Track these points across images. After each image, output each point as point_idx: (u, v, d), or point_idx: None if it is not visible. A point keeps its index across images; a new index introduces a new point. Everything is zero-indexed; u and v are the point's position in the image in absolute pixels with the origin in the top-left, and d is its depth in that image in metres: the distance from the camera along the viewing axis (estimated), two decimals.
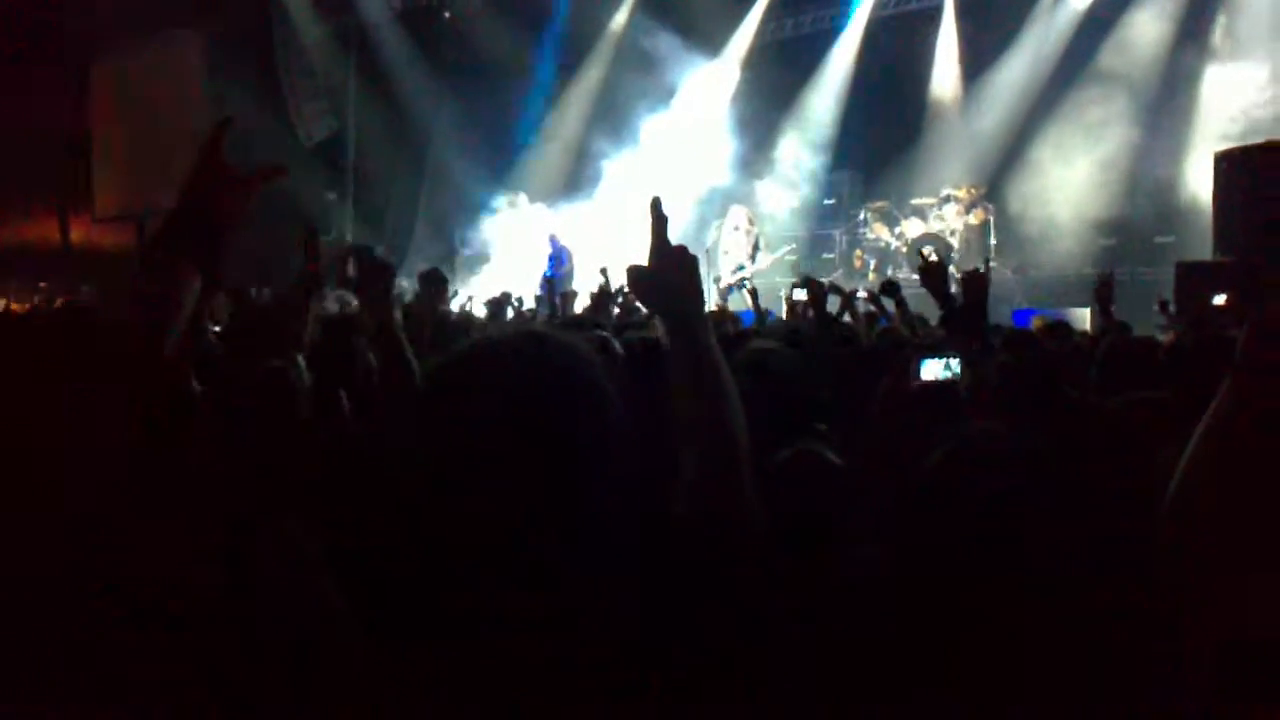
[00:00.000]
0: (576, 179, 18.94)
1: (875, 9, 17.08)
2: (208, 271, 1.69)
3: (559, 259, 16.28)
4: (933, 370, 2.76)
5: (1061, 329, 6.28)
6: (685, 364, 1.62)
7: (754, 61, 18.31)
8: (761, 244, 16.25)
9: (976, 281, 3.26)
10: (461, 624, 1.34)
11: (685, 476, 1.52)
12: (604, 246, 16.28)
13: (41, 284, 19.40)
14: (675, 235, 1.78)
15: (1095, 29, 14.88)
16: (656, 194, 1.78)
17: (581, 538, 1.31)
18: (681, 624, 1.35)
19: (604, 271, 7.18)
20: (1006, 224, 15.63)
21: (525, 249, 17.75)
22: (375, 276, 2.61)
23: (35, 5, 19.74)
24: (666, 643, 1.32)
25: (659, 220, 1.76)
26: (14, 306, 14.12)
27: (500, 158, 19.49)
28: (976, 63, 16.10)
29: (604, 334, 3.57)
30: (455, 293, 12.44)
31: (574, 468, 1.31)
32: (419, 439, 1.38)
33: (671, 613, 1.35)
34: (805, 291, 5.20)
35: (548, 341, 1.40)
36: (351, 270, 2.63)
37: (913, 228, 16.05)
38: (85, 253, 23.23)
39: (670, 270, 1.71)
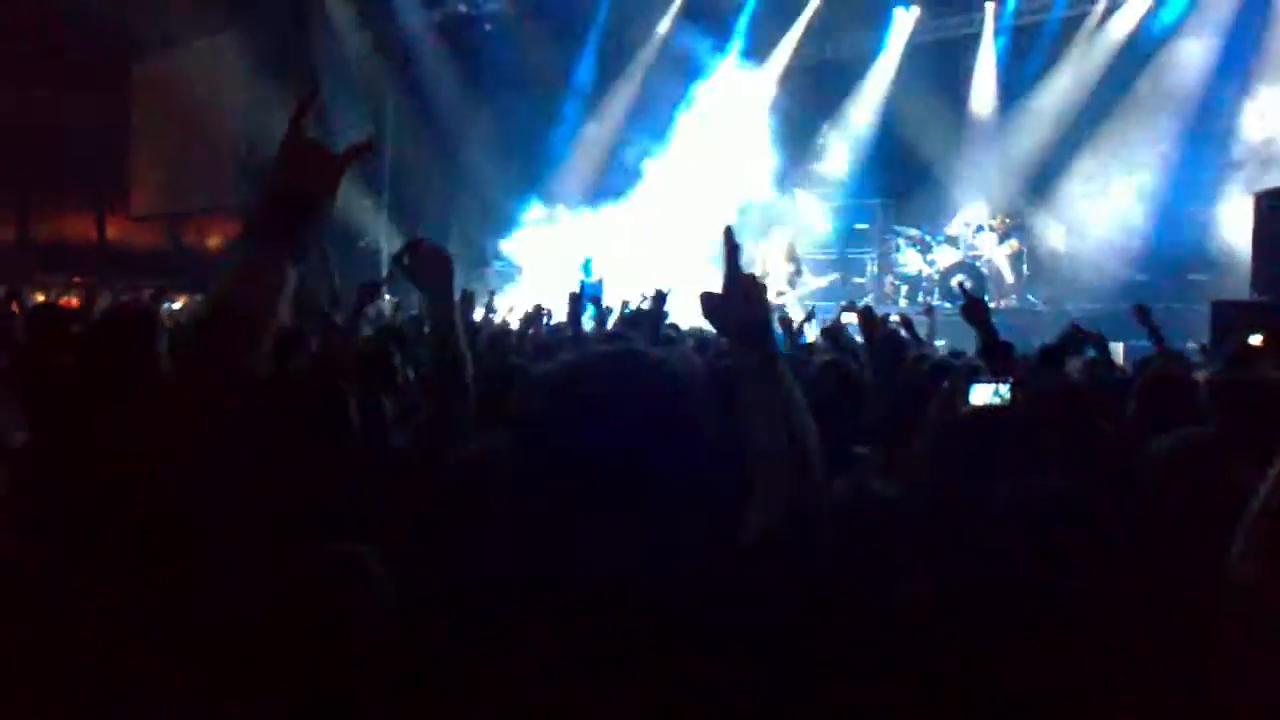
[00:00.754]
0: (614, 188, 18.91)
1: (913, 34, 17.08)
2: (299, 254, 1.69)
3: (588, 273, 16.41)
4: (982, 395, 2.76)
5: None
6: (761, 388, 1.66)
7: (792, 81, 18.35)
8: (804, 270, 16.18)
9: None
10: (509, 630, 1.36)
11: (762, 492, 1.54)
12: (640, 255, 16.37)
13: (76, 279, 19.61)
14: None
15: (1133, 60, 14.84)
16: (729, 225, 1.84)
17: (663, 546, 1.33)
18: (747, 632, 1.37)
19: (661, 296, 7.09)
20: (1039, 255, 15.58)
21: (558, 261, 17.81)
22: (437, 268, 2.61)
23: (79, 5, 19.99)
24: (730, 649, 1.34)
25: (732, 250, 1.81)
26: (68, 300, 14.33)
27: (537, 168, 19.50)
28: (1013, 90, 16.07)
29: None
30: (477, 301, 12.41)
31: (666, 488, 1.34)
32: (524, 449, 1.39)
33: (740, 618, 1.37)
34: (854, 316, 5.25)
35: (646, 360, 1.42)
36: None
37: (945, 256, 16.01)
38: (120, 250, 23.49)
39: (742, 297, 1.76)
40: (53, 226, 23.45)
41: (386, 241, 20.22)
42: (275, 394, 2.74)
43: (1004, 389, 2.77)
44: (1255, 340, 6.83)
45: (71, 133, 22.03)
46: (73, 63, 21.28)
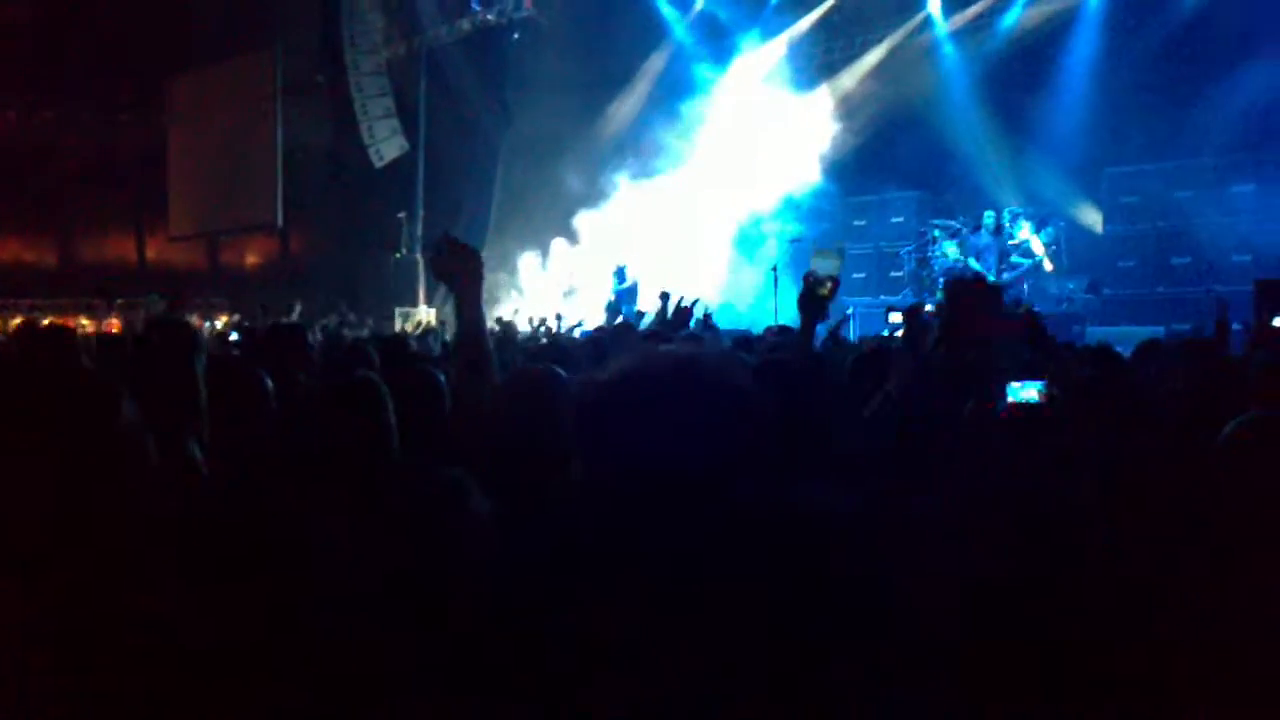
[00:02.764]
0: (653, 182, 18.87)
1: (951, 26, 17.02)
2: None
3: (621, 279, 16.49)
4: (1018, 394, 2.74)
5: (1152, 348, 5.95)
6: None
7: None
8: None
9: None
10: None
11: None
12: (677, 252, 16.42)
13: (119, 300, 19.75)
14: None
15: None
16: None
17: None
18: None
19: (681, 308, 7.10)
20: (1078, 241, 15.44)
21: (594, 271, 17.86)
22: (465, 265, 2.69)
23: (115, 23, 20.29)
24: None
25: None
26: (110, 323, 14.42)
27: (571, 171, 19.40)
28: (1048, 76, 15.92)
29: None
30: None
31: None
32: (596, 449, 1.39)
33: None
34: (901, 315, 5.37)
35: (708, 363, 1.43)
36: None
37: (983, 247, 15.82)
38: (159, 270, 23.65)
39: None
40: (93, 248, 23.71)
41: (421, 252, 20.33)
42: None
43: (1039, 387, 2.75)
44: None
45: (111, 154, 22.29)
46: (111, 84, 21.55)
